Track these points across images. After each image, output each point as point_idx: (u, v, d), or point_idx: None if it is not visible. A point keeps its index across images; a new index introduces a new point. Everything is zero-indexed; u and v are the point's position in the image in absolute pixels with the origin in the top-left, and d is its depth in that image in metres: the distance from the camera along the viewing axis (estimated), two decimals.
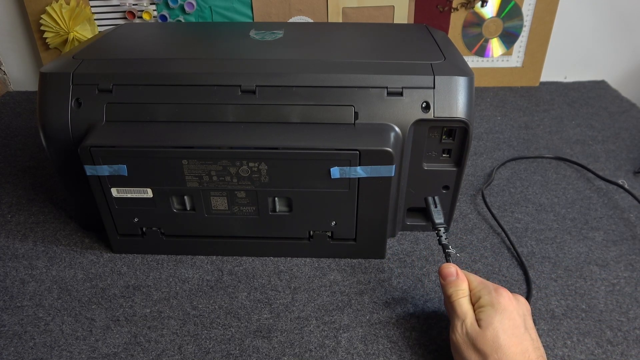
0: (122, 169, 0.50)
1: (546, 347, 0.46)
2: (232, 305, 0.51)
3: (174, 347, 0.47)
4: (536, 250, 0.58)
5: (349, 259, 0.57)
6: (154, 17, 0.91)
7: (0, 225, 0.63)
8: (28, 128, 0.86)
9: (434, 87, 0.50)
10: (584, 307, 0.51)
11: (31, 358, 0.46)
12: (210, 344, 0.47)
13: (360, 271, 0.55)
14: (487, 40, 0.95)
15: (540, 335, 0.43)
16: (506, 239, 0.60)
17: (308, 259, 0.57)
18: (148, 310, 0.51)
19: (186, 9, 0.89)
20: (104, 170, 0.50)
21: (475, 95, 0.94)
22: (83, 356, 0.46)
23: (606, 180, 0.69)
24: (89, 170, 0.50)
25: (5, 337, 0.48)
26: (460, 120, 0.50)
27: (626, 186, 0.68)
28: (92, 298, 0.52)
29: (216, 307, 0.51)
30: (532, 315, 0.44)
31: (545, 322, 0.49)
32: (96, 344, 0.47)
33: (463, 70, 0.52)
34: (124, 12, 0.91)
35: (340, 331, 0.48)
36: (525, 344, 0.39)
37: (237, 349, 0.47)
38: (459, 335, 0.41)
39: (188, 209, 0.53)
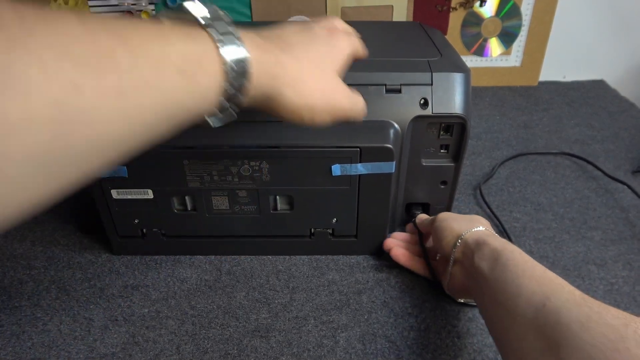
0: (122, 170, 0.49)
1: None
2: (230, 305, 0.51)
3: (172, 347, 0.47)
4: (534, 249, 0.58)
5: (347, 259, 0.57)
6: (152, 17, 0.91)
7: None
8: None
9: (431, 84, 0.50)
10: None
11: (29, 358, 0.46)
12: (208, 344, 0.47)
13: (358, 270, 0.55)
14: (485, 40, 0.95)
15: None
16: (505, 236, 0.60)
17: (306, 258, 0.57)
18: (146, 310, 0.51)
19: None
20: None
21: (474, 94, 0.94)
22: (81, 356, 0.46)
23: (611, 178, 0.69)
24: None
25: (3, 337, 0.48)
26: (457, 116, 0.51)
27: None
28: (90, 298, 0.52)
29: (214, 306, 0.51)
30: None
31: None
32: (94, 344, 0.47)
33: (459, 66, 0.52)
34: (123, 12, 0.91)
35: (339, 331, 0.48)
36: None
37: (235, 348, 0.47)
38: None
39: (189, 209, 0.53)
